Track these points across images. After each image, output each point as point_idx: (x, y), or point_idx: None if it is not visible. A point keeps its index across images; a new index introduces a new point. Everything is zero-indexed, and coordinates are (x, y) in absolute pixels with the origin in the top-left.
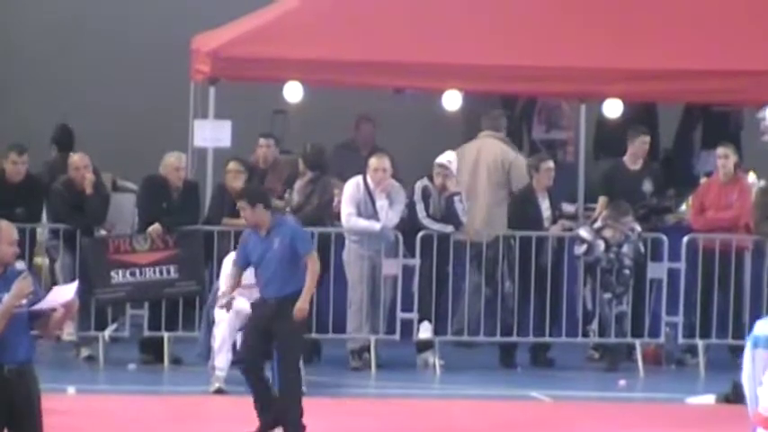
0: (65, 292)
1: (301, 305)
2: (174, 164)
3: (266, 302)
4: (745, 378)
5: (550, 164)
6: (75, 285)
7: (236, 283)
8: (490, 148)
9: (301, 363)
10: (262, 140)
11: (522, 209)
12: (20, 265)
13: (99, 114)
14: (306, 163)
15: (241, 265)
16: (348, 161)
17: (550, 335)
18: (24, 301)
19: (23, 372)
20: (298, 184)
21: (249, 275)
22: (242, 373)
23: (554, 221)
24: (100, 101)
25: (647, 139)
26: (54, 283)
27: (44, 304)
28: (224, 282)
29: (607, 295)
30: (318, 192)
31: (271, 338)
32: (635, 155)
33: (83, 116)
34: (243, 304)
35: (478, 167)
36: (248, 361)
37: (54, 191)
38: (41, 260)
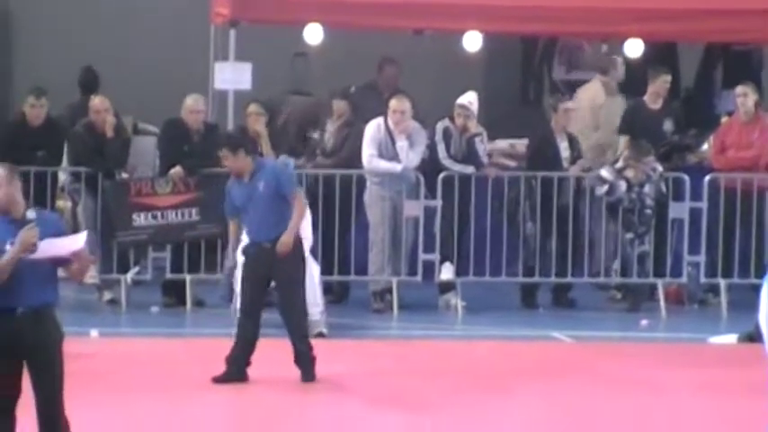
0: (74, 242)
1: (285, 239)
2: (190, 106)
3: (261, 246)
4: (763, 318)
5: (569, 104)
6: (84, 234)
7: (238, 238)
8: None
9: (323, 304)
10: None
11: (540, 149)
12: (30, 213)
13: (120, 58)
14: (350, 105)
15: (232, 215)
16: (370, 103)
17: (572, 275)
18: (32, 249)
19: (39, 316)
20: (331, 127)
21: None
22: (242, 320)
23: (573, 162)
24: (121, 44)
25: (668, 78)
26: (76, 226)
27: (50, 252)
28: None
29: (629, 235)
30: (354, 135)
31: (269, 283)
32: (656, 94)
33: (104, 59)
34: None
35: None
36: (250, 310)
37: (75, 134)
38: (63, 203)
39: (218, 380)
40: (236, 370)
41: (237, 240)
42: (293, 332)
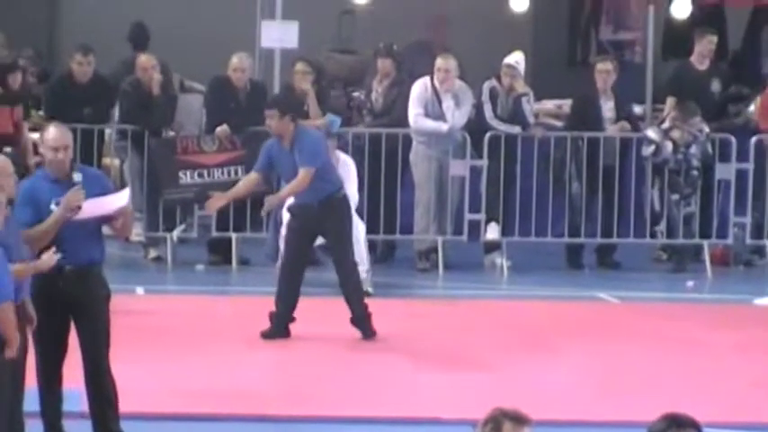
0: (117, 200)
1: (273, 198)
2: (234, 64)
3: (306, 206)
4: None
5: (609, 65)
6: (127, 191)
7: (248, 190)
8: None
9: (369, 263)
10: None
11: (580, 109)
12: (77, 175)
13: (167, 16)
14: (395, 64)
15: (260, 170)
16: (420, 61)
17: (617, 236)
18: (77, 210)
19: (86, 273)
20: (380, 87)
21: None
22: (284, 275)
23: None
24: (168, 2)
25: (714, 38)
26: (123, 183)
27: (95, 211)
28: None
29: (675, 196)
30: (404, 95)
31: (313, 240)
32: (701, 55)
33: (152, 17)
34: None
35: None
36: (293, 267)
37: (122, 91)
38: (110, 161)
39: (265, 335)
40: (280, 326)
41: (245, 190)
42: (347, 291)
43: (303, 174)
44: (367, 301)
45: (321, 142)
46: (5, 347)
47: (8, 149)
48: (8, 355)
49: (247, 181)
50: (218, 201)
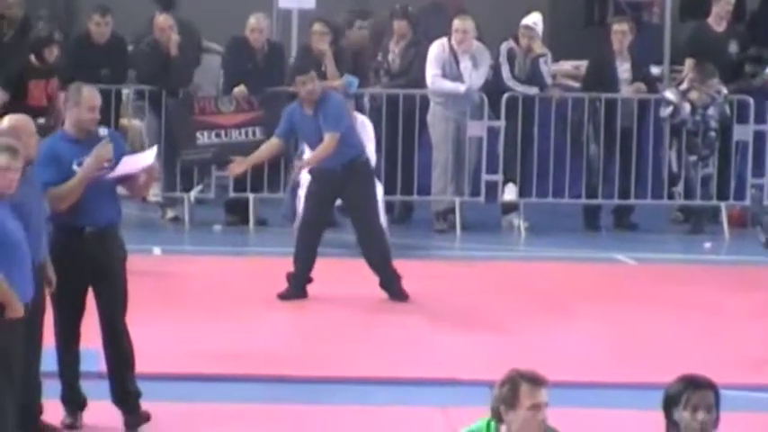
0: (145, 158)
1: (301, 163)
2: (252, 25)
3: (329, 171)
4: None
5: (625, 26)
6: (154, 150)
7: (270, 154)
8: None
9: (386, 223)
10: (357, 22)
11: (597, 70)
12: (103, 131)
13: None
14: (410, 25)
15: (282, 135)
16: (436, 22)
17: (635, 197)
18: (106, 165)
19: (105, 235)
20: (397, 48)
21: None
22: (302, 236)
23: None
24: None
25: (732, 0)
26: (143, 144)
27: (123, 170)
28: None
29: (692, 158)
30: (420, 56)
31: (333, 202)
32: (719, 16)
33: None
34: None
35: None
36: (312, 227)
37: (139, 52)
38: (128, 121)
39: (282, 296)
40: (297, 287)
41: (267, 156)
42: (373, 256)
43: (329, 139)
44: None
45: (345, 106)
46: (6, 309)
47: (41, 121)
48: (9, 316)
49: (269, 145)
50: (239, 166)
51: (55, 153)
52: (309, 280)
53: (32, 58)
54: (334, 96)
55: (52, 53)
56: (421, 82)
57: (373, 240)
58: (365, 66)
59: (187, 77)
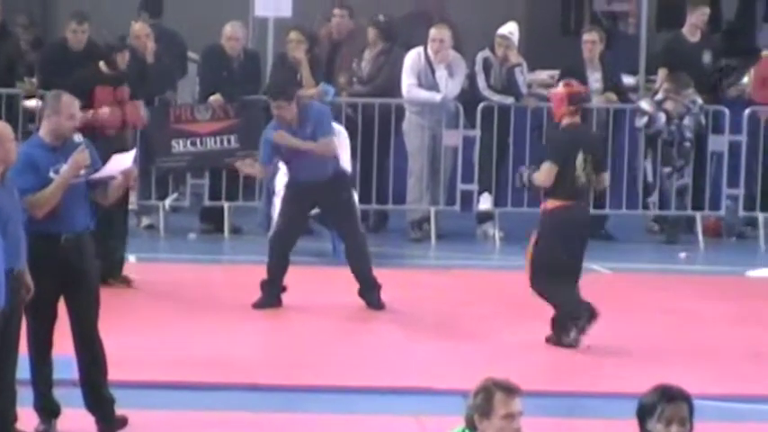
0: (123, 161)
1: (289, 140)
2: (228, 33)
3: (307, 184)
4: None
5: (594, 35)
6: (132, 153)
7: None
8: None
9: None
10: (336, 11)
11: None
12: (78, 137)
13: None
14: (380, 33)
15: (269, 162)
16: (418, 31)
17: (610, 207)
18: (82, 172)
19: (81, 241)
20: (368, 55)
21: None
22: (276, 243)
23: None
24: None
25: (707, 10)
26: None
27: (103, 173)
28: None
29: (667, 169)
30: (390, 63)
31: (308, 214)
32: (694, 26)
33: None
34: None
35: None
36: (286, 236)
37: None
38: None
39: (256, 305)
40: (271, 295)
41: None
42: (357, 264)
43: (327, 142)
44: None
45: (329, 112)
46: None
47: (111, 132)
48: None
49: (264, 173)
50: (250, 166)
51: (32, 160)
52: (283, 288)
53: (102, 64)
54: (314, 104)
55: (123, 59)
56: (388, 89)
57: (356, 248)
58: (340, 67)
59: (169, 85)
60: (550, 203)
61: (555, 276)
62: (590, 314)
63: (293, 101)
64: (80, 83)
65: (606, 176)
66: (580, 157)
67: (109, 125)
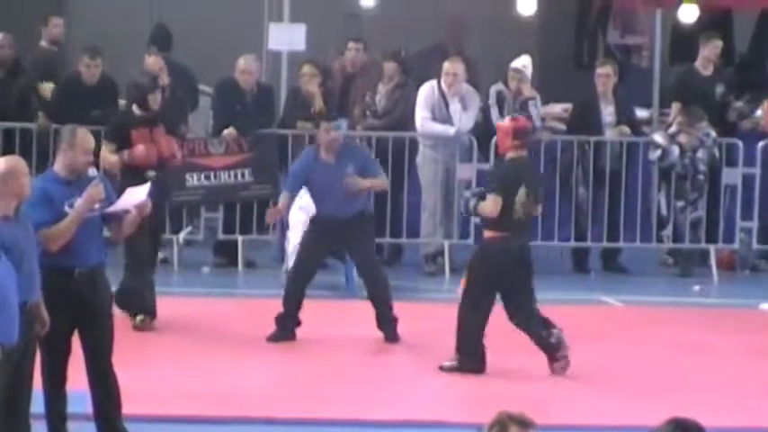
0: (137, 194)
1: (362, 183)
2: (241, 67)
3: (333, 219)
4: None
5: (608, 69)
6: (146, 187)
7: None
8: None
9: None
10: (351, 44)
11: (580, 113)
12: (92, 171)
13: (175, 17)
14: (399, 67)
15: (295, 191)
16: (434, 65)
17: (623, 240)
18: (96, 206)
19: (94, 275)
20: (382, 88)
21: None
22: (293, 278)
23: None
24: (176, 3)
25: (719, 43)
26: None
27: (117, 206)
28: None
29: (680, 203)
30: (405, 97)
31: (328, 252)
32: (707, 59)
33: (159, 19)
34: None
35: None
36: (304, 271)
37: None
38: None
39: (271, 338)
40: (286, 329)
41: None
42: (377, 297)
43: (384, 179)
44: (360, 301)
45: (367, 153)
46: None
47: (152, 173)
48: None
49: (285, 201)
50: (273, 214)
51: (46, 194)
52: (298, 322)
53: (134, 107)
54: (357, 146)
55: (156, 100)
56: (403, 123)
57: (378, 282)
58: (354, 100)
59: (182, 119)
60: (488, 234)
61: (472, 306)
62: (476, 366)
63: (342, 128)
64: (116, 128)
65: (539, 207)
66: (522, 191)
67: (145, 163)
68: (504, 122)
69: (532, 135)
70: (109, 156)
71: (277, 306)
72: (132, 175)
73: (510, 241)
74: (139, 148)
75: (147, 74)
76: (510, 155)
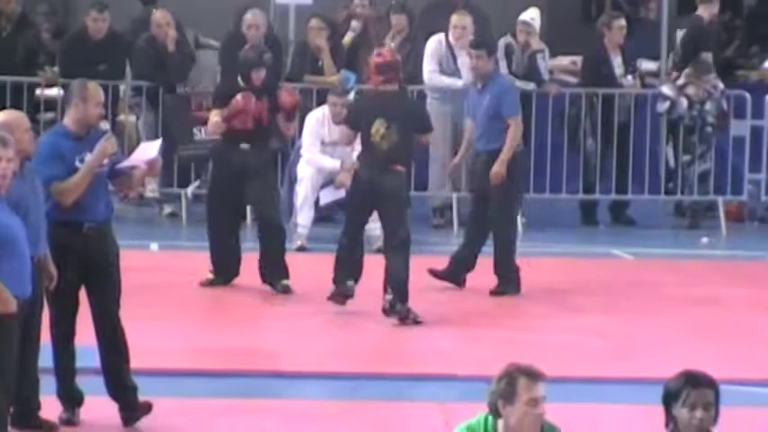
0: (149, 150)
1: (498, 169)
2: (248, 21)
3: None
4: None
5: (622, 21)
6: (158, 143)
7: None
8: None
9: None
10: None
11: (594, 67)
12: (104, 125)
13: None
14: (410, 20)
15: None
16: (441, 19)
17: (632, 192)
18: (106, 161)
19: (102, 230)
20: (393, 42)
21: (333, 131)
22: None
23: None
24: None
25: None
26: (139, 140)
27: (128, 162)
28: (306, 138)
29: (687, 157)
30: (416, 50)
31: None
32: (712, 12)
33: None
34: (326, 162)
35: None
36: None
37: (137, 48)
38: (125, 117)
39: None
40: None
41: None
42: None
43: (514, 125)
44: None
45: (513, 88)
46: None
47: (246, 146)
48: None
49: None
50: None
51: (57, 150)
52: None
53: (240, 79)
54: (504, 79)
55: (259, 77)
56: (416, 77)
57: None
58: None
59: (185, 73)
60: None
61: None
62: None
63: (491, 57)
64: (222, 95)
65: (429, 136)
66: (378, 122)
67: (245, 110)
68: (370, 58)
69: (397, 68)
70: (214, 117)
71: (286, 260)
72: (231, 139)
73: (361, 171)
74: (237, 99)
75: (256, 48)
76: (379, 89)
